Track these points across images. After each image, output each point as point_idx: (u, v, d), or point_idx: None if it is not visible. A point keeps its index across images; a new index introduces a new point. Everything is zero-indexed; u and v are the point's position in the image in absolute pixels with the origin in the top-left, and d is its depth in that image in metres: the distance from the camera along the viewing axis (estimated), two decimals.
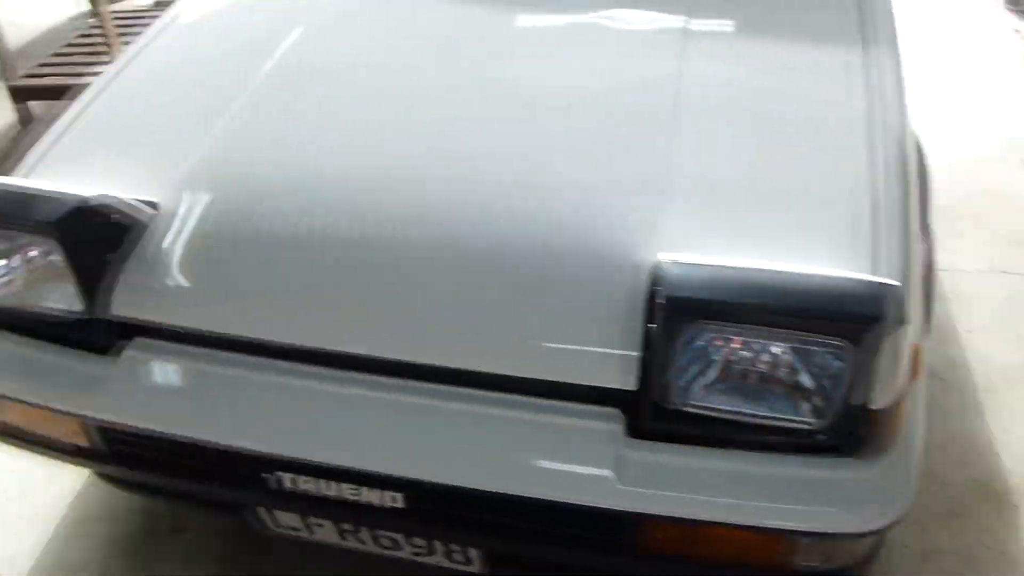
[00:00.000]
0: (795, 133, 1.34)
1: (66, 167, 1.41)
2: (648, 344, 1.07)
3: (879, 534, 1.14)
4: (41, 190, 1.23)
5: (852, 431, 1.08)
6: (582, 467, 1.13)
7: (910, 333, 1.12)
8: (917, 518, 1.80)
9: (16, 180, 1.29)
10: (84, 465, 1.46)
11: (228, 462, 1.24)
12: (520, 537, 1.22)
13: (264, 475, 1.23)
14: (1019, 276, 2.44)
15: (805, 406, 1.09)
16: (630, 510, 1.11)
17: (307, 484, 1.22)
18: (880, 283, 1.04)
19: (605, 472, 1.11)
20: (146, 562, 1.75)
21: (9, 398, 1.31)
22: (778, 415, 1.10)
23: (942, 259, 2.51)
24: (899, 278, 1.11)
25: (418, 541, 1.33)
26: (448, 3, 1.65)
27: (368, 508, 1.22)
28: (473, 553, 1.33)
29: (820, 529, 1.09)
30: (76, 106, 1.54)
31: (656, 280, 1.06)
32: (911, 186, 1.31)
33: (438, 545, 1.33)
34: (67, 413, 1.28)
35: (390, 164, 1.28)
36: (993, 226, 2.65)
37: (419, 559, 1.38)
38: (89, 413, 1.27)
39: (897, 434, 1.13)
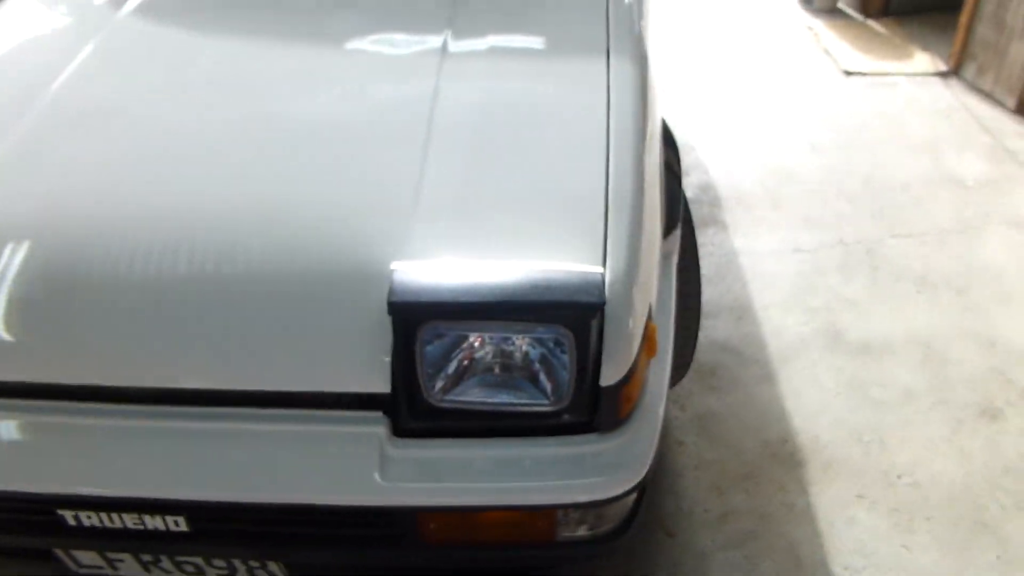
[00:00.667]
0: (542, 142, 1.45)
1: None
2: (393, 348, 1.16)
3: (628, 499, 1.27)
4: None
5: (587, 409, 1.20)
6: (348, 470, 1.20)
7: (636, 314, 1.24)
8: (715, 483, 1.97)
9: None
10: None
11: (6, 506, 1.25)
12: (306, 545, 1.28)
13: (46, 516, 1.25)
14: (809, 253, 2.68)
15: (543, 391, 1.20)
16: (398, 505, 1.19)
17: (90, 519, 1.25)
18: (584, 271, 1.15)
19: (370, 473, 1.18)
20: None
21: None
22: (522, 402, 1.20)
23: (742, 244, 2.75)
24: (625, 267, 1.24)
25: (218, 563, 1.37)
26: (222, 38, 1.71)
27: (155, 535, 1.26)
28: (274, 567, 1.38)
29: (565, 501, 1.20)
30: None
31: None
32: (648, 185, 1.45)
33: (238, 564, 1.37)
34: None
35: (144, 200, 1.32)
36: (787, 209, 2.90)
37: None
38: None
39: (632, 407, 1.26)
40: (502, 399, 1.20)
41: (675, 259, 1.66)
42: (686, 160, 3.19)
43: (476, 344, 1.19)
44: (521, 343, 1.19)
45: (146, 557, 1.37)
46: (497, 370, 1.20)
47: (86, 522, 1.25)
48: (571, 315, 1.12)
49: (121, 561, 1.39)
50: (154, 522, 1.23)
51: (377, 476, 1.18)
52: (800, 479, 1.98)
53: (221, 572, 1.39)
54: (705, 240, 2.72)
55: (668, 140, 1.81)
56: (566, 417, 1.21)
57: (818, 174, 3.07)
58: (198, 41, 1.70)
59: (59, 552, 1.38)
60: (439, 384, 1.19)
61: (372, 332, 1.18)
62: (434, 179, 1.34)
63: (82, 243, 1.26)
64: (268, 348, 1.20)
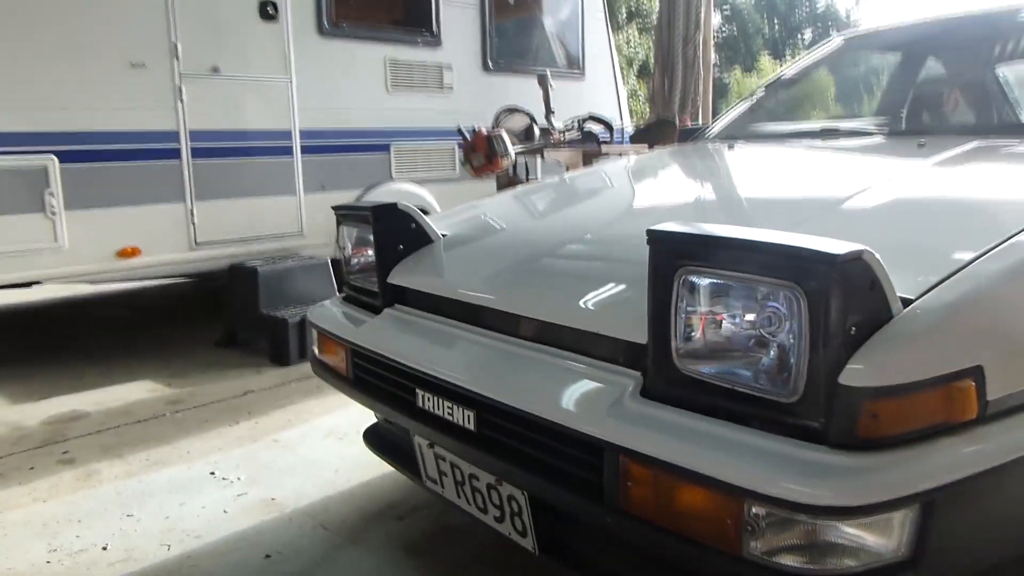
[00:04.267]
0: (946, 223, 1.46)
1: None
2: (649, 285, 1.23)
3: (843, 544, 1.02)
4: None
5: (820, 408, 1.05)
6: (587, 401, 1.30)
7: (939, 331, 1.09)
8: None
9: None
10: (342, 390, 1.98)
11: (402, 383, 1.69)
12: (541, 470, 1.35)
13: (414, 394, 1.63)
14: None
15: (778, 377, 1.10)
16: (601, 436, 1.22)
17: (429, 402, 1.58)
18: (850, 244, 1.04)
19: (600, 405, 1.26)
20: None
21: (327, 333, 1.99)
22: (757, 385, 1.13)
23: None
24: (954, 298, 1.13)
25: (494, 499, 1.53)
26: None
27: (454, 428, 1.52)
28: (526, 520, 1.47)
29: (757, 488, 1.03)
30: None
31: None
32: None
33: (506, 511, 1.52)
34: (340, 341, 1.90)
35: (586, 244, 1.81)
36: None
37: (496, 526, 1.55)
38: (348, 339, 1.88)
39: (885, 436, 1.03)
40: (740, 380, 1.14)
41: None
42: None
43: (720, 313, 1.17)
44: (756, 313, 1.13)
45: (457, 477, 1.62)
46: (736, 345, 1.16)
47: (427, 405, 1.59)
48: (803, 268, 1.04)
49: (445, 476, 1.66)
50: (457, 414, 1.50)
51: (604, 409, 1.25)
52: None
53: (497, 513, 1.55)
54: None
55: None
56: (796, 415, 1.08)
57: None
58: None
59: (416, 444, 1.73)
60: (689, 347, 1.19)
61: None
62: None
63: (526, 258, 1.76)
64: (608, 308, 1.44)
